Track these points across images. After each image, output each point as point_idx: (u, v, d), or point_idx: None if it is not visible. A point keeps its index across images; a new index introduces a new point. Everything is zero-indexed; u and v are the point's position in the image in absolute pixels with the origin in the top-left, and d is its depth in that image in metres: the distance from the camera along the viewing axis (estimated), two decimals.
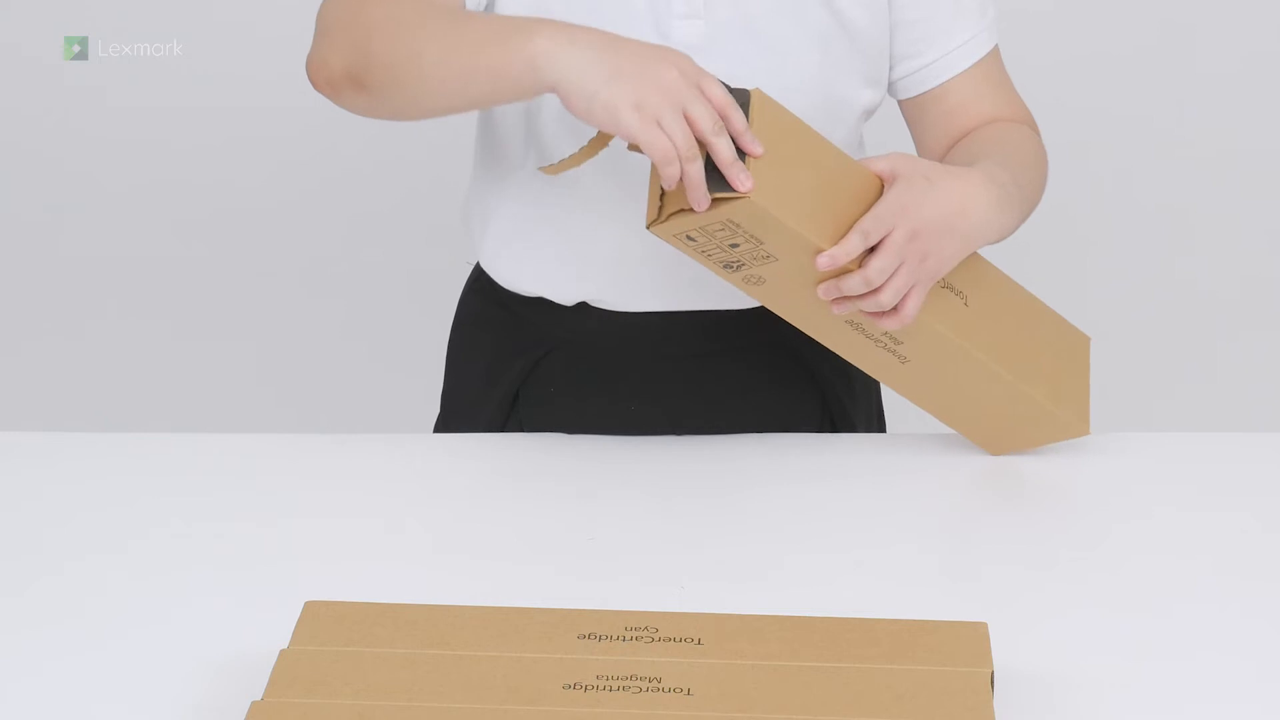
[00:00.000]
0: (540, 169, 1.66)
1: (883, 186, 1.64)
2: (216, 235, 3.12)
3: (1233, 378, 3.18)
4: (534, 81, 1.56)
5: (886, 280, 1.61)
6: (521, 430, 1.89)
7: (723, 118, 1.56)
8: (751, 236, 1.59)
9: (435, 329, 2.08)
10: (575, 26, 1.57)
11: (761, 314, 1.85)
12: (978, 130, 1.82)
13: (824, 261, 1.59)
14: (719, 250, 1.61)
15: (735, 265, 1.63)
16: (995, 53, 1.84)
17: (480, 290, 1.92)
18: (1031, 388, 1.72)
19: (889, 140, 1.89)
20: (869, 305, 1.63)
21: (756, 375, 1.87)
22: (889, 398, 2.02)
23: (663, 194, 1.60)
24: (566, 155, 1.67)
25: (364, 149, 3.05)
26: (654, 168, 1.59)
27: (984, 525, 1.71)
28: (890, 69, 1.82)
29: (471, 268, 1.96)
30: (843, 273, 1.62)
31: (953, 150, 1.81)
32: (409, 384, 2.64)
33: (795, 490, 1.74)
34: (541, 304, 1.86)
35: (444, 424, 1.97)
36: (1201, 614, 1.53)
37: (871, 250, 1.61)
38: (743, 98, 1.58)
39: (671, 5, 1.73)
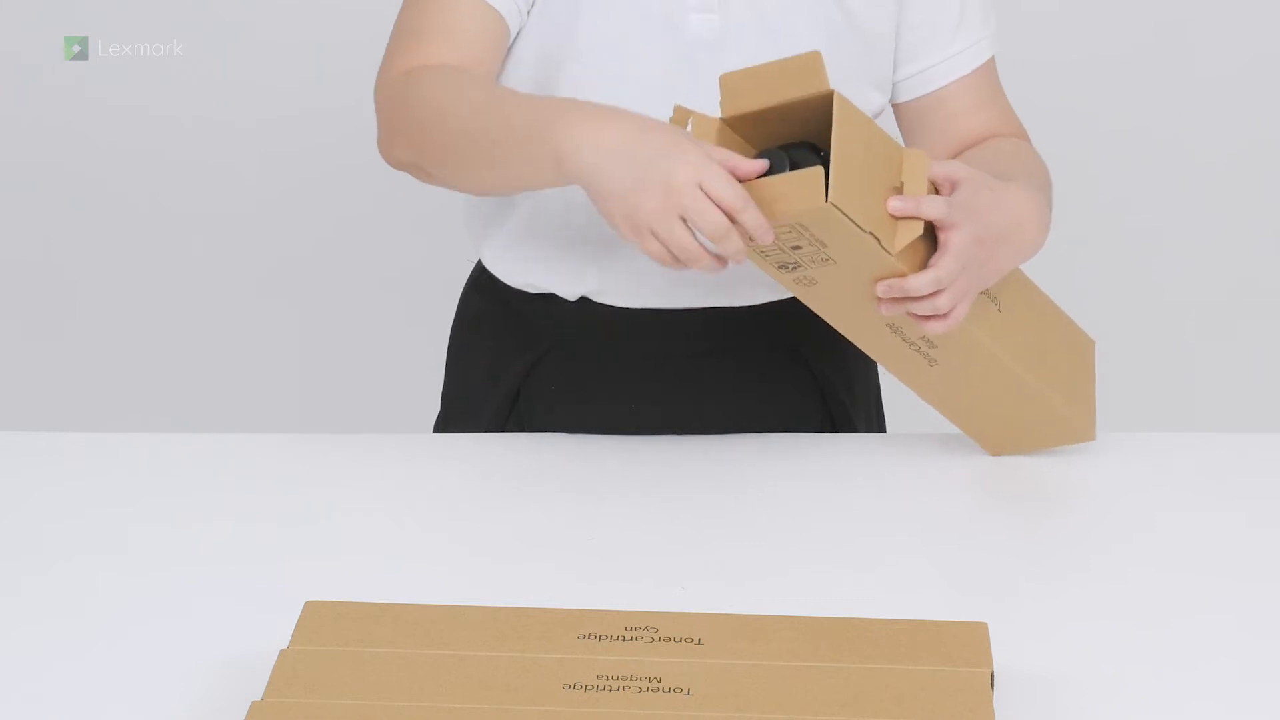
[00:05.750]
0: None
1: (937, 193, 1.64)
2: (216, 234, 3.12)
3: (1232, 378, 3.18)
4: (563, 180, 1.59)
5: (951, 283, 1.61)
6: (522, 430, 1.89)
7: (731, 214, 1.54)
8: (817, 240, 1.57)
9: (435, 328, 2.08)
10: (590, 118, 1.57)
11: (763, 313, 1.86)
12: (990, 144, 1.82)
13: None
14: (778, 252, 1.60)
15: (791, 266, 1.62)
16: (992, 63, 1.85)
17: (481, 289, 1.92)
18: (1051, 391, 1.72)
19: None
20: (923, 308, 1.61)
21: (757, 375, 1.87)
22: (889, 399, 2.02)
23: None
24: None
25: (364, 148, 3.05)
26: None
27: (984, 525, 1.71)
28: (893, 70, 1.83)
29: (472, 266, 1.96)
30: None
31: (967, 161, 1.80)
32: (409, 384, 2.64)
33: (795, 490, 1.74)
34: (543, 301, 1.86)
35: (444, 423, 1.97)
36: (1201, 614, 1.53)
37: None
38: (824, 100, 1.57)
39: (685, 4, 1.73)
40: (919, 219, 1.59)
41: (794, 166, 1.58)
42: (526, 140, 1.59)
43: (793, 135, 1.60)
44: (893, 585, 1.58)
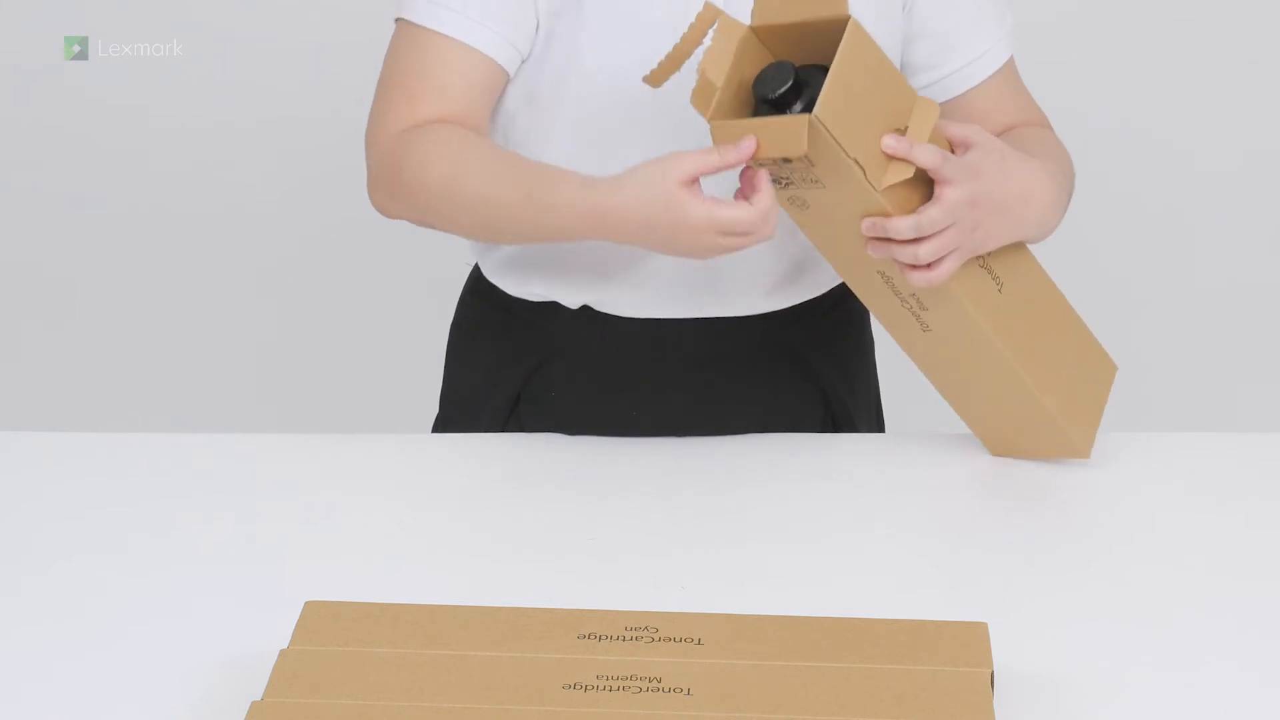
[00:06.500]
0: (643, 80, 1.65)
1: (951, 152, 1.64)
2: (216, 234, 3.13)
3: (1232, 378, 3.18)
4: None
5: (933, 234, 1.61)
6: (521, 432, 1.89)
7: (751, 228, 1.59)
8: (805, 156, 1.58)
9: (435, 329, 2.08)
10: (600, 223, 1.62)
11: (764, 320, 1.85)
12: (1012, 133, 1.82)
13: (896, 159, 1.60)
14: (771, 162, 1.60)
15: (784, 182, 1.62)
16: (1011, 61, 1.85)
17: (480, 293, 1.92)
18: (1043, 394, 1.71)
19: None
20: (905, 254, 1.62)
21: (758, 377, 1.87)
22: (889, 399, 2.02)
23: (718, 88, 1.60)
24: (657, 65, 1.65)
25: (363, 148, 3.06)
26: (705, 56, 1.60)
27: (984, 525, 1.71)
28: (908, 78, 1.82)
29: (470, 268, 1.96)
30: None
31: None
32: (409, 384, 2.64)
33: (795, 490, 1.74)
34: (543, 308, 1.86)
35: (442, 426, 1.96)
36: (1201, 614, 1.53)
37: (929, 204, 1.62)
38: (839, 26, 1.58)
39: (689, 14, 1.73)
40: (910, 162, 1.59)
41: (798, 84, 1.59)
42: (555, 233, 1.66)
43: (816, 56, 1.61)
44: (893, 585, 1.58)
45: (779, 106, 1.59)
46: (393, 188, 1.73)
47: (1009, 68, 1.85)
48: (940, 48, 1.81)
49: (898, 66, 1.81)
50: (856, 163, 1.58)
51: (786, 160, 1.59)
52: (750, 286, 1.83)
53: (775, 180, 1.62)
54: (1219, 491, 1.75)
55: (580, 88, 1.74)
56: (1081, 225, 3.02)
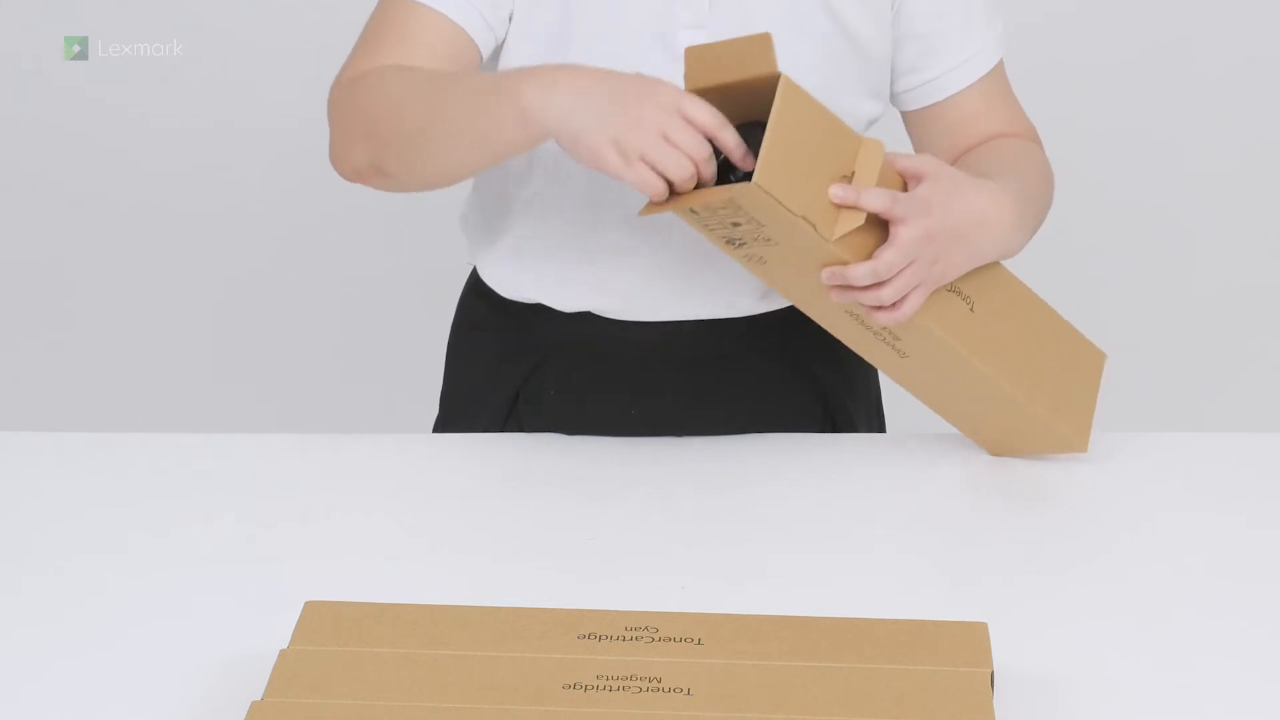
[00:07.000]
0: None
1: (904, 186, 1.64)
2: (216, 234, 3.13)
3: (1232, 378, 3.18)
4: (528, 135, 1.58)
5: (892, 276, 1.61)
6: (521, 432, 1.89)
7: (711, 139, 1.56)
8: (753, 218, 1.58)
9: (435, 329, 2.08)
10: (559, 69, 1.59)
11: (761, 321, 1.85)
12: (989, 144, 1.81)
13: (844, 202, 1.59)
14: (721, 227, 1.60)
15: (738, 242, 1.62)
16: (1000, 66, 1.84)
17: (480, 293, 1.92)
18: (1030, 400, 1.71)
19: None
20: (868, 298, 1.62)
21: (758, 378, 1.87)
22: (889, 399, 2.02)
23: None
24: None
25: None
26: None
27: (984, 525, 1.71)
28: (895, 80, 1.82)
29: (471, 268, 1.96)
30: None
31: (962, 162, 1.80)
32: (409, 384, 2.64)
33: (795, 490, 1.74)
34: (542, 309, 1.86)
35: (443, 426, 1.96)
36: (1201, 614, 1.53)
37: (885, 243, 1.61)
38: (771, 83, 1.57)
39: (676, 15, 1.72)
40: (860, 209, 1.59)
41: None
42: (489, 99, 1.59)
43: (755, 113, 1.61)
44: (893, 585, 1.58)
45: (720, 171, 1.60)
46: (348, 124, 1.69)
47: (997, 74, 1.84)
48: (926, 51, 1.80)
49: (888, 69, 1.81)
50: (805, 219, 1.57)
51: (736, 224, 1.59)
52: (744, 287, 1.82)
53: (730, 241, 1.62)
54: (1219, 491, 1.75)
55: None
56: (1078, 226, 3.03)
